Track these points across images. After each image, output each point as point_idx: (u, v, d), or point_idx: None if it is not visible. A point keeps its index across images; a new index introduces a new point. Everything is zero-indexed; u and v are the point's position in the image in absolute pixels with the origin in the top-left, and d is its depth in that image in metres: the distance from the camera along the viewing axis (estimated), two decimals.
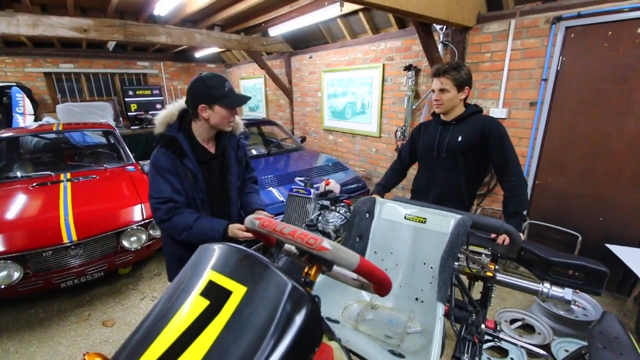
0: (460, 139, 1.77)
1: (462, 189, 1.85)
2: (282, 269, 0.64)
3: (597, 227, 2.68)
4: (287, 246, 0.91)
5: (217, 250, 0.72)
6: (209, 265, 0.69)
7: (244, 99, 1.47)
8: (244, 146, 1.72)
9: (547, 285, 1.30)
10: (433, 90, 1.79)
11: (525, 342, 1.39)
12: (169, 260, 1.68)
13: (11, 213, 2.53)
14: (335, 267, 0.81)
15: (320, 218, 1.59)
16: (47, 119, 5.65)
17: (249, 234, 1.41)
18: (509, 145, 1.72)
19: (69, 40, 5.94)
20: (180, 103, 1.52)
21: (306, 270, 0.74)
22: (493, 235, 1.52)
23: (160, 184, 1.43)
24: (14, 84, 5.73)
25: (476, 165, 1.83)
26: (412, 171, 2.12)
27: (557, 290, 1.27)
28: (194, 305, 0.63)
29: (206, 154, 1.52)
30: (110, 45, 6.25)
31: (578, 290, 1.32)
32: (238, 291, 0.61)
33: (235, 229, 1.45)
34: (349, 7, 3.71)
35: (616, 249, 2.20)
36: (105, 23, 3.83)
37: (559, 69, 2.69)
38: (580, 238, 2.67)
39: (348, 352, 0.91)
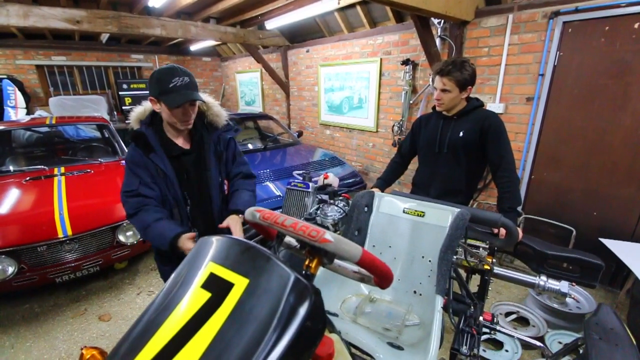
0: (461, 134, 1.77)
1: (463, 184, 1.86)
2: (284, 261, 0.64)
3: (591, 221, 2.71)
4: (287, 239, 0.91)
5: (217, 242, 0.72)
6: (210, 257, 0.68)
7: (185, 99, 1.30)
8: (226, 140, 1.59)
9: (543, 278, 1.31)
10: (435, 88, 1.78)
11: (522, 335, 1.41)
12: (156, 257, 1.62)
13: (4, 207, 2.50)
14: (336, 260, 0.81)
15: (318, 212, 1.59)
16: (39, 113, 5.55)
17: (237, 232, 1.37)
18: (505, 141, 1.72)
19: (61, 32, 5.82)
20: None
21: (307, 263, 0.74)
22: (496, 230, 1.53)
23: (129, 178, 1.39)
24: (5, 76, 5.61)
25: (477, 160, 1.83)
26: (412, 166, 2.12)
27: (553, 283, 1.28)
28: (195, 297, 0.62)
29: (176, 148, 1.45)
30: (104, 37, 6.14)
31: (574, 283, 1.34)
32: (240, 283, 0.61)
33: (186, 241, 1.32)
34: (347, 0, 3.68)
35: (609, 243, 2.23)
36: (99, 14, 3.75)
37: (556, 64, 2.69)
38: (574, 232, 2.71)
39: (348, 344, 0.91)
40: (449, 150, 1.83)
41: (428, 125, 1.94)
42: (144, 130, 1.40)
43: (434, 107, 1.89)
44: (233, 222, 1.42)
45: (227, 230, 1.42)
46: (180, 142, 1.47)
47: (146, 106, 1.46)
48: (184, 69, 1.34)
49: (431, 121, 1.93)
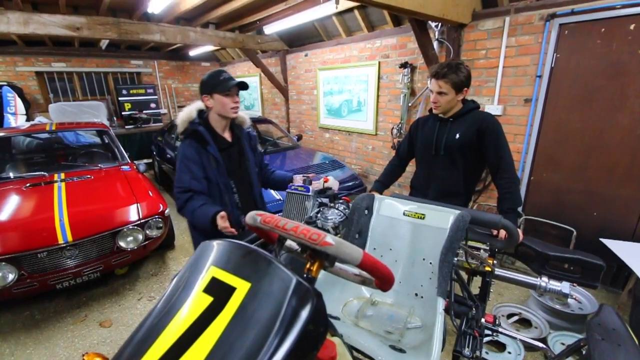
0: (457, 136, 1.78)
1: (461, 186, 1.86)
2: (285, 264, 0.64)
3: (592, 221, 2.71)
4: (288, 243, 0.91)
5: (219, 247, 0.72)
6: (212, 262, 0.69)
7: (234, 82, 1.62)
8: (255, 137, 1.94)
9: (545, 279, 1.31)
10: (431, 91, 1.79)
11: (525, 336, 1.40)
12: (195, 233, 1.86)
13: (4, 214, 2.49)
14: (337, 263, 0.81)
15: (319, 215, 1.59)
16: (39, 119, 5.57)
17: (230, 229, 1.54)
18: (503, 142, 1.73)
19: (61, 39, 5.85)
20: (198, 103, 1.75)
21: (308, 266, 0.74)
22: (495, 232, 1.53)
23: (181, 174, 1.64)
24: (5, 83, 5.63)
25: (474, 162, 1.83)
26: (410, 169, 2.12)
27: (555, 284, 1.28)
28: (197, 302, 0.62)
29: (224, 142, 1.74)
30: (103, 43, 6.17)
31: (575, 284, 1.33)
32: (242, 287, 0.61)
33: (220, 219, 1.53)
34: (344, 4, 3.70)
35: (610, 243, 2.23)
36: (98, 21, 3.78)
37: (553, 65, 2.71)
38: (575, 233, 2.71)
39: (350, 347, 0.91)
40: (445, 153, 1.83)
41: (425, 127, 1.95)
42: (198, 128, 1.67)
43: (430, 110, 1.90)
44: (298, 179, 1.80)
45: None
46: (226, 136, 1.77)
47: (190, 110, 1.73)
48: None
49: (428, 123, 1.94)
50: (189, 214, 1.65)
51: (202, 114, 1.73)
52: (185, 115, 1.72)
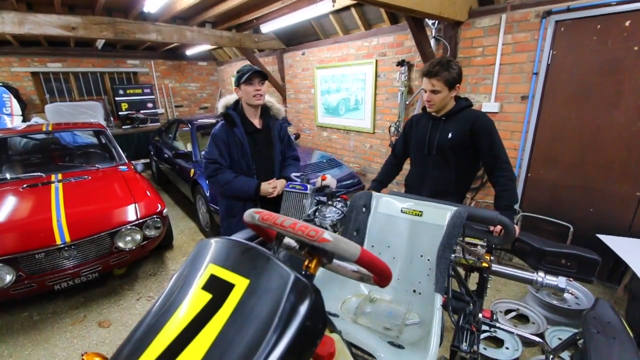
0: (450, 135, 1.79)
1: (453, 186, 1.86)
2: (284, 261, 0.64)
3: (588, 217, 2.73)
4: (286, 240, 0.91)
5: (218, 244, 0.72)
6: (211, 259, 0.69)
7: (251, 71, 1.85)
8: (286, 128, 2.20)
9: (541, 274, 1.32)
10: (424, 90, 1.79)
11: (522, 332, 1.41)
12: (222, 212, 2.16)
13: (2, 215, 2.48)
14: (335, 260, 0.82)
15: (317, 213, 1.59)
16: (35, 120, 5.55)
17: (277, 190, 1.98)
18: (498, 140, 1.74)
19: (56, 39, 5.82)
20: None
21: (306, 263, 0.75)
22: (491, 228, 1.54)
23: (212, 149, 1.95)
24: (0, 84, 5.61)
25: (466, 161, 1.84)
26: (407, 166, 2.13)
27: (551, 279, 1.29)
28: (196, 299, 0.62)
29: (252, 126, 1.99)
30: (99, 43, 6.14)
31: (571, 279, 1.35)
32: (240, 284, 0.61)
33: (266, 186, 1.96)
34: (341, 2, 3.70)
35: (606, 239, 2.24)
36: (94, 21, 3.76)
37: (549, 62, 2.72)
38: (571, 229, 2.73)
39: (349, 344, 0.92)
40: (437, 152, 1.84)
41: (418, 126, 1.95)
42: (231, 112, 1.96)
43: (424, 108, 1.91)
44: (280, 184, 2.03)
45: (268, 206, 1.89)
46: (255, 122, 2.01)
47: (230, 97, 2.04)
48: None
49: (421, 122, 1.95)
50: (222, 184, 1.94)
51: (238, 102, 2.01)
52: (224, 100, 2.03)
